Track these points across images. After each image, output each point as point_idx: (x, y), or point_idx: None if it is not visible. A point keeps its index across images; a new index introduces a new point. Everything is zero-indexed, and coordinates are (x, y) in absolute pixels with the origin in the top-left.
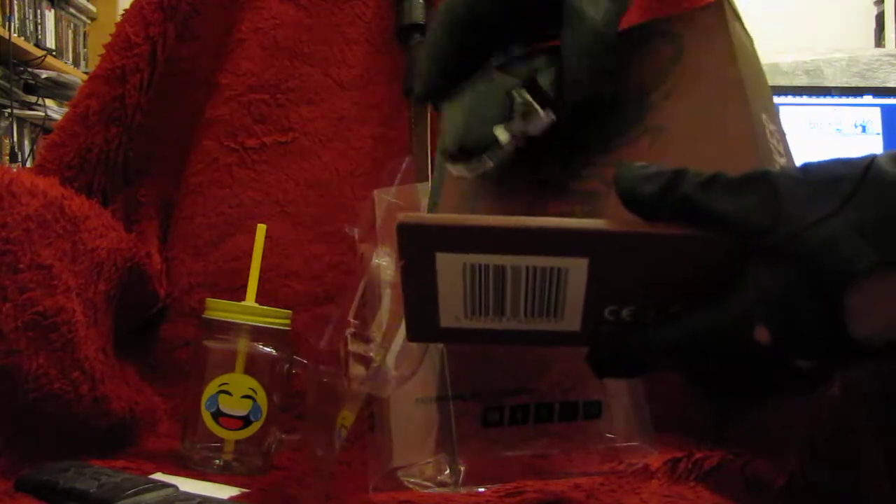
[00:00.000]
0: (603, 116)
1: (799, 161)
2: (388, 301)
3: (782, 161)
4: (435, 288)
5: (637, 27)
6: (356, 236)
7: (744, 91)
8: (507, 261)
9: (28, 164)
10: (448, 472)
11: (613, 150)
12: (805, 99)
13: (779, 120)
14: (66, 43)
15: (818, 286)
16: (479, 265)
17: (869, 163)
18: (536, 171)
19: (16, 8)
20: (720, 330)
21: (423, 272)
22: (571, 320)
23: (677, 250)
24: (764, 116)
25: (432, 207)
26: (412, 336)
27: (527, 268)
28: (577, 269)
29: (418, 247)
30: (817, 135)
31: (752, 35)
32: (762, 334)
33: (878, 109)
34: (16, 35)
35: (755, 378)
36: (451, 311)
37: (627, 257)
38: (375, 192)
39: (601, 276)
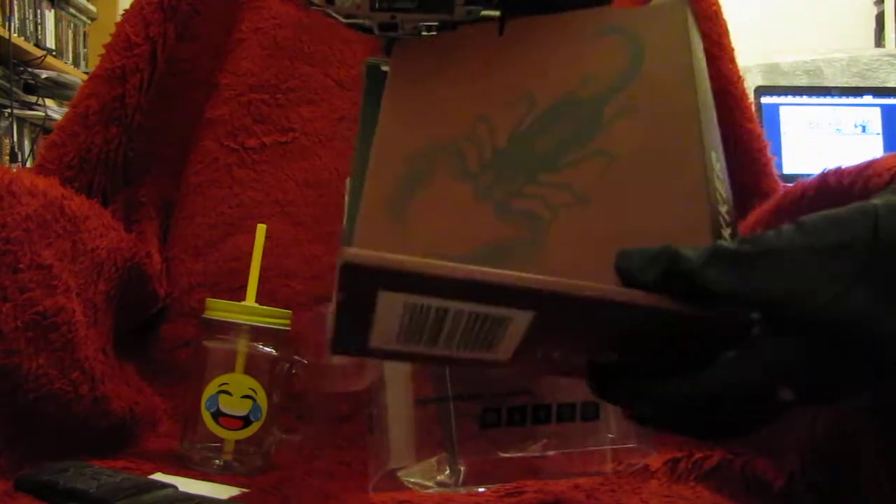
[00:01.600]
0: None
1: (797, 160)
2: None
3: (724, 210)
4: (371, 317)
5: (592, 13)
6: None
7: (699, 126)
8: (452, 305)
9: (28, 164)
10: (448, 472)
11: (560, 169)
12: (805, 99)
13: (721, 150)
14: (66, 43)
15: (851, 354)
16: (422, 305)
17: (874, 223)
18: (474, 177)
19: (16, 8)
20: (732, 390)
21: (362, 304)
22: (504, 353)
23: (654, 318)
24: (713, 155)
25: (352, 219)
26: (335, 350)
27: (470, 312)
28: (521, 318)
29: (361, 284)
30: (817, 135)
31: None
32: (787, 394)
33: (878, 109)
34: (16, 35)
35: (752, 420)
36: (384, 336)
37: (585, 316)
38: None
39: (546, 326)
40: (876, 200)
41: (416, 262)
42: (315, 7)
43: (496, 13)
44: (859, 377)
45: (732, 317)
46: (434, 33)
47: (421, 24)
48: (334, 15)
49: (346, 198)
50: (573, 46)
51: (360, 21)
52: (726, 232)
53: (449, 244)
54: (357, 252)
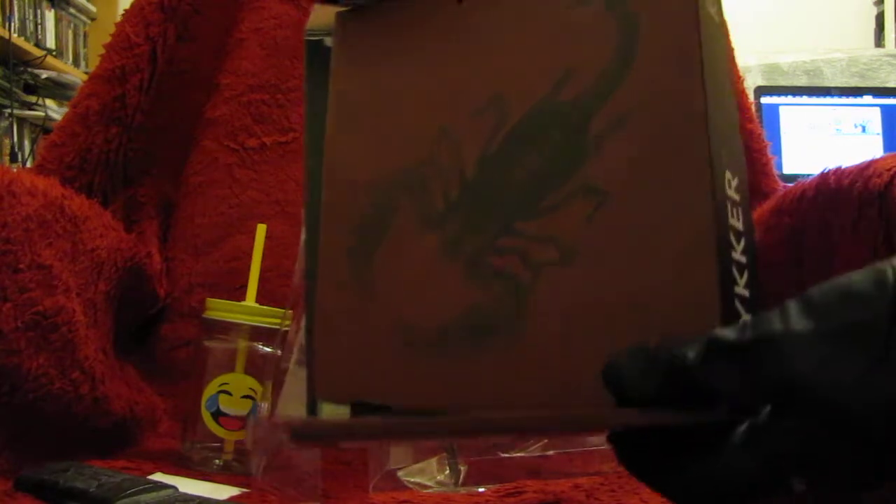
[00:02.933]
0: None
1: (797, 160)
2: None
3: (738, 254)
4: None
5: None
6: None
7: (708, 142)
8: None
9: (28, 164)
10: (448, 472)
11: (541, 216)
12: (805, 99)
13: (739, 152)
14: (66, 43)
15: (872, 444)
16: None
17: (892, 299)
18: (440, 223)
19: (16, 8)
20: (736, 481)
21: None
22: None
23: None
24: (728, 175)
25: (311, 272)
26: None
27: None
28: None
29: (314, 439)
30: (817, 135)
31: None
32: (799, 485)
33: (877, 109)
34: (16, 35)
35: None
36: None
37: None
38: None
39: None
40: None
41: (369, 425)
42: None
43: None
44: (882, 469)
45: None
46: None
47: None
48: None
49: (304, 221)
50: (548, 20)
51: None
52: (738, 250)
53: (419, 317)
54: (305, 423)
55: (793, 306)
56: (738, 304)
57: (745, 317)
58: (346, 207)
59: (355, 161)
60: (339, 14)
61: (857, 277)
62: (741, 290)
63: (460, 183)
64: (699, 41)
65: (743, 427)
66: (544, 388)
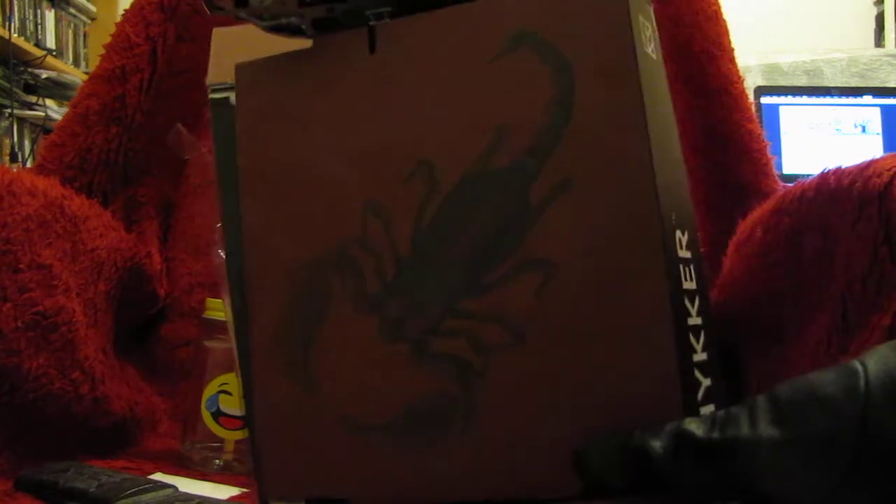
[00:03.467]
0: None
1: (797, 160)
2: None
3: (694, 318)
4: None
5: (494, 5)
6: None
7: (656, 198)
8: None
9: (28, 164)
10: None
11: (486, 292)
12: (805, 99)
13: (689, 207)
14: (66, 43)
15: None
16: None
17: (863, 408)
18: (377, 305)
19: (16, 8)
20: None
21: None
22: None
23: None
24: (678, 233)
25: (243, 352)
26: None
27: None
28: None
29: None
30: (817, 135)
31: (654, 21)
32: None
33: (877, 109)
34: (16, 35)
35: None
36: None
37: None
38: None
39: None
40: (869, 365)
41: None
42: (221, 12)
43: None
44: None
45: None
46: (387, 20)
47: (368, 11)
48: (249, 18)
49: (227, 298)
50: (473, 72)
51: (285, 21)
52: (693, 314)
53: (364, 409)
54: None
55: (761, 407)
56: (696, 373)
57: (706, 381)
58: (273, 293)
59: (277, 241)
60: (238, 67)
61: (828, 379)
62: (699, 356)
63: (395, 261)
64: (640, 88)
65: None
66: (503, 476)
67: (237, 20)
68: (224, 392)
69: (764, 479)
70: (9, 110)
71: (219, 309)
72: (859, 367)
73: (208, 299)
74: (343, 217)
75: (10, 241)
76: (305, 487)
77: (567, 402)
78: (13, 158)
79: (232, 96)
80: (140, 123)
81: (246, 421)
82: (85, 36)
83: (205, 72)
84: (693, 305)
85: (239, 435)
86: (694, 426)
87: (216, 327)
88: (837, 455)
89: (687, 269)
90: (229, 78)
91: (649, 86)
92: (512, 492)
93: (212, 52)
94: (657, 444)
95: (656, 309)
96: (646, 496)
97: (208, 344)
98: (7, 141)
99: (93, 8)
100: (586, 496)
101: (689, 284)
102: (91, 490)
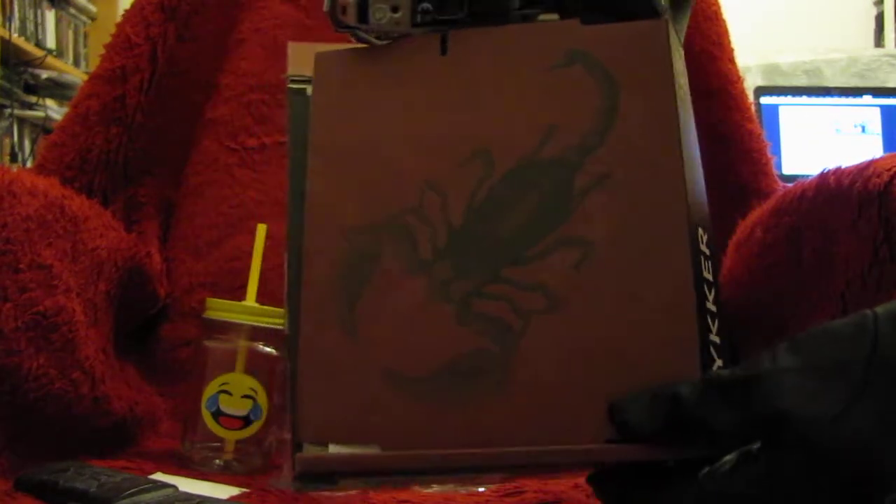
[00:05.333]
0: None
1: (796, 160)
2: None
3: (710, 304)
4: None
5: (554, 28)
6: None
7: (686, 201)
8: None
9: (28, 164)
10: None
11: (528, 262)
12: (805, 99)
13: (707, 212)
14: (67, 43)
15: (848, 478)
16: (386, 480)
17: (873, 339)
18: (427, 267)
19: (16, 8)
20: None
21: (323, 482)
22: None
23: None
24: (700, 231)
25: (293, 316)
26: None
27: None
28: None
29: (320, 477)
30: (817, 135)
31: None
32: None
33: (877, 109)
34: (16, 35)
35: None
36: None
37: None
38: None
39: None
40: (878, 310)
41: (374, 459)
42: (344, 29)
43: (554, 17)
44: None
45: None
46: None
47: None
48: (366, 37)
49: (286, 270)
50: (532, 79)
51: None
52: (710, 300)
53: (406, 361)
54: (313, 457)
55: (781, 347)
56: (712, 351)
57: (718, 362)
58: (328, 252)
59: (338, 206)
60: (318, 56)
61: (841, 322)
62: (714, 337)
63: (447, 231)
64: (675, 111)
65: (731, 456)
66: (534, 428)
67: (354, 40)
68: (224, 392)
69: (782, 407)
70: (9, 110)
71: (219, 309)
72: (869, 312)
73: (208, 299)
74: (402, 190)
75: (10, 241)
76: (341, 433)
77: (595, 365)
78: (13, 158)
79: (309, 88)
80: (140, 123)
81: (290, 371)
82: (85, 36)
83: (205, 72)
84: (710, 294)
85: (239, 435)
86: (720, 372)
87: (216, 327)
88: (849, 377)
89: (706, 263)
90: (307, 72)
91: (680, 103)
92: (544, 441)
93: (290, 54)
94: (687, 389)
95: (680, 286)
96: (677, 438)
97: (208, 344)
98: (7, 141)
99: (93, 8)
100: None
101: (708, 275)
102: (91, 490)
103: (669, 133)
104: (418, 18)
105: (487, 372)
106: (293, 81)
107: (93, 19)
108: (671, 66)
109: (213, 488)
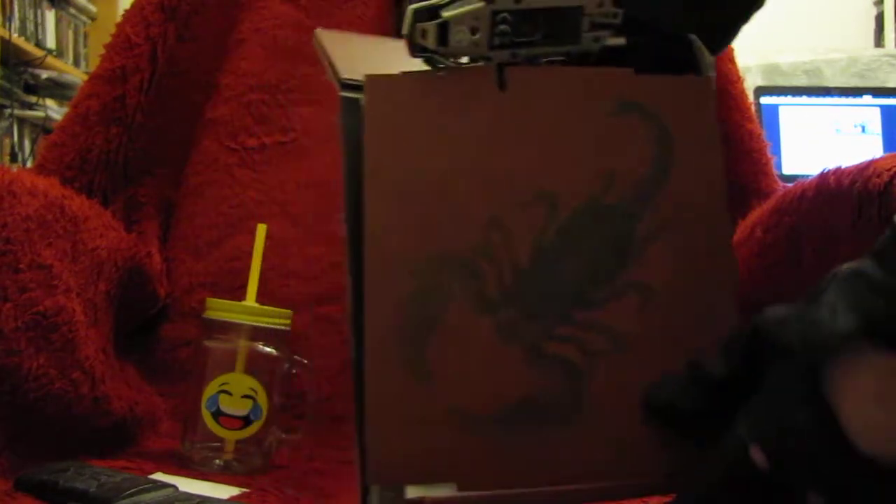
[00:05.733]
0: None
1: (796, 160)
2: None
3: None
4: None
5: (608, 77)
6: None
7: (731, 248)
8: None
9: (28, 164)
10: None
11: (595, 306)
12: (805, 99)
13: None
14: (67, 43)
15: (806, 380)
16: None
17: (833, 275)
18: (495, 309)
19: (16, 8)
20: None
21: None
22: None
23: None
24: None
25: (358, 337)
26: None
27: None
28: None
29: None
30: (817, 135)
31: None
32: (757, 455)
33: (877, 109)
34: (16, 35)
35: None
36: None
37: None
38: None
39: None
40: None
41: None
42: (422, 54)
43: (621, 40)
44: (829, 435)
45: None
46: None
47: (543, 59)
48: (444, 61)
49: (348, 278)
50: (590, 124)
51: (475, 64)
52: None
53: (476, 402)
54: (418, 500)
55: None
56: None
57: None
58: (393, 288)
59: (399, 240)
60: (369, 80)
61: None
62: None
63: (514, 271)
64: (722, 164)
65: None
66: (601, 464)
67: (431, 64)
68: (224, 392)
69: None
70: (9, 110)
71: (219, 309)
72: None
73: (208, 299)
74: (466, 226)
75: (10, 241)
76: (415, 474)
77: None
78: (13, 158)
79: (362, 97)
80: (140, 123)
81: (356, 409)
82: (85, 36)
83: (205, 72)
84: None
85: (239, 435)
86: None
87: (216, 327)
88: (815, 297)
89: None
90: (359, 76)
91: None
92: (611, 476)
93: (329, 50)
94: (718, 361)
95: (727, 330)
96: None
97: (208, 344)
98: (7, 141)
99: (93, 8)
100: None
101: None
102: (91, 490)
103: (718, 186)
104: (496, 41)
105: (556, 411)
106: (345, 88)
107: (93, 19)
108: (716, 120)
109: (213, 488)
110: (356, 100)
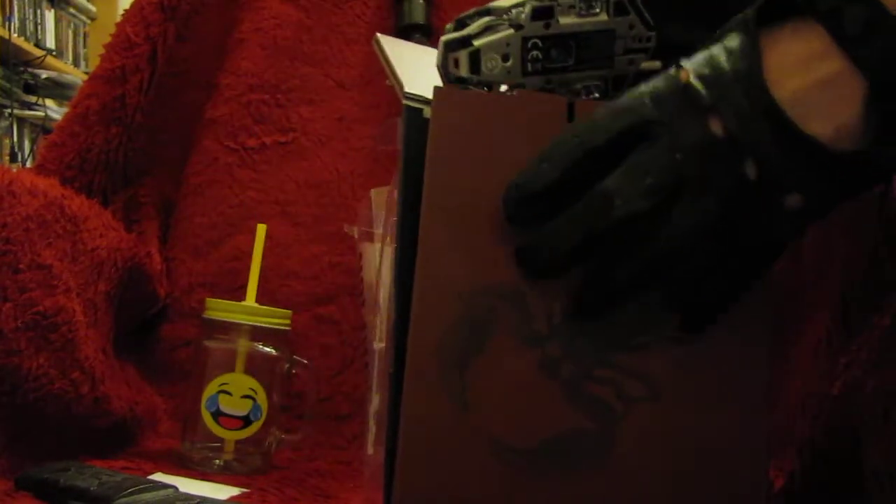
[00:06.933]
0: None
1: None
2: (387, 300)
3: None
4: None
5: None
6: (355, 235)
7: (770, 321)
8: None
9: (28, 164)
10: None
11: (636, 350)
12: None
13: None
14: (66, 43)
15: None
16: None
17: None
18: (541, 343)
19: (16, 8)
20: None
21: None
22: None
23: None
24: None
25: (399, 361)
26: None
27: None
28: None
29: None
30: None
31: None
32: (716, 126)
33: None
34: (16, 35)
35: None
36: None
37: None
38: (372, 190)
39: None
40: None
41: None
42: (455, 82)
43: (657, 64)
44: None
45: None
46: (596, 96)
47: (578, 85)
48: (477, 90)
49: (389, 295)
50: None
51: (508, 93)
52: None
53: (512, 434)
54: None
55: None
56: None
57: None
58: (440, 314)
59: (451, 266)
60: (437, 91)
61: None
62: None
63: (562, 307)
64: None
65: None
66: None
67: (465, 90)
68: (224, 392)
69: None
70: (9, 110)
71: (219, 309)
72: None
73: (208, 299)
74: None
75: (10, 241)
76: (439, 498)
77: (685, 453)
78: (13, 158)
79: (426, 109)
80: (140, 123)
81: (388, 427)
82: (85, 36)
83: (205, 72)
84: None
85: (239, 435)
86: None
87: (216, 327)
88: None
89: None
90: (423, 91)
91: None
92: None
93: (390, 58)
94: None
95: (758, 402)
96: None
97: (208, 344)
98: (7, 141)
99: (93, 8)
100: None
101: None
102: (92, 489)
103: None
104: (529, 67)
105: (588, 451)
106: (408, 99)
107: (93, 19)
108: None
109: (213, 488)
110: (420, 110)
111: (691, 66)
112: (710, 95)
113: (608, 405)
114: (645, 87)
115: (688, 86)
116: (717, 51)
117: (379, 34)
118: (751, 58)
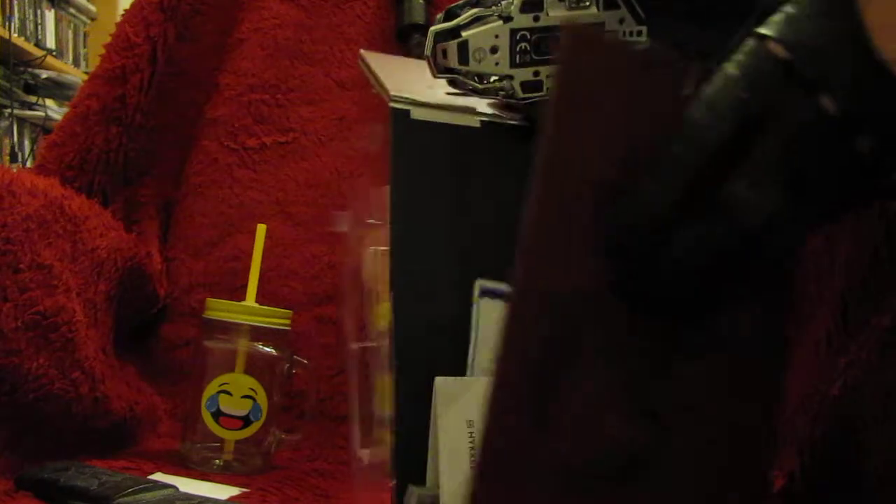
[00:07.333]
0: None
1: None
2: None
3: None
4: None
5: None
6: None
7: (783, 368)
8: None
9: (28, 164)
10: None
11: (671, 376)
12: None
13: None
14: (66, 43)
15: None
16: None
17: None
18: (626, 358)
19: (16, 8)
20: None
21: None
22: None
23: None
24: None
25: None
26: None
27: None
28: None
29: None
30: None
31: None
32: (776, 47)
33: None
34: (16, 35)
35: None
36: None
37: None
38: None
39: None
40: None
41: None
42: (445, 74)
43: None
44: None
45: None
46: None
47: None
48: (466, 81)
49: (388, 323)
50: None
51: (497, 84)
52: None
53: (585, 457)
54: None
55: None
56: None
57: None
58: (533, 322)
59: (548, 262)
60: (566, 31)
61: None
62: None
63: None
64: None
65: None
66: None
67: (455, 85)
68: (224, 392)
69: None
70: (9, 110)
71: (219, 309)
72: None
73: (208, 299)
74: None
75: (10, 241)
76: None
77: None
78: (13, 158)
79: (413, 110)
80: (140, 123)
81: (393, 423)
82: (85, 36)
83: (205, 72)
84: None
85: (239, 435)
86: None
87: (216, 327)
88: None
89: None
90: (406, 92)
91: None
92: None
93: (376, 70)
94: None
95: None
96: None
97: (208, 344)
98: (7, 141)
99: (93, 8)
100: None
101: None
102: (92, 488)
103: None
104: (517, 59)
105: (643, 467)
106: (395, 101)
107: (93, 19)
108: None
109: (213, 488)
110: (407, 111)
111: (778, 35)
112: (813, 70)
113: (643, 444)
114: (733, 69)
115: (782, 61)
116: (800, 10)
117: (363, 51)
118: (849, 15)
